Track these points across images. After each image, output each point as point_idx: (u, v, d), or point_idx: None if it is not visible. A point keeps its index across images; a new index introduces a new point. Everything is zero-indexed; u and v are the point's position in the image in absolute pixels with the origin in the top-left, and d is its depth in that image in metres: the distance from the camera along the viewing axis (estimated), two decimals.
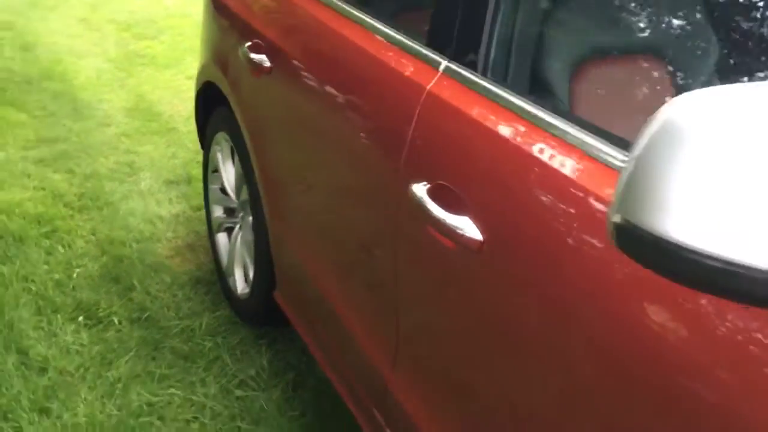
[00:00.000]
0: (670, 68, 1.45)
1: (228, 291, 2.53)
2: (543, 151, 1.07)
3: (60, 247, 2.85)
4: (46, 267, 2.71)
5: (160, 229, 3.06)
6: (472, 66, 1.25)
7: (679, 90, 1.13)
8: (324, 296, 1.81)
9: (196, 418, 2.07)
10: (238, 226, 2.46)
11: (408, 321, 1.44)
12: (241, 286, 2.43)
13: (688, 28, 1.41)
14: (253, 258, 2.30)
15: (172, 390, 2.15)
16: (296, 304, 2.04)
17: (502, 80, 1.23)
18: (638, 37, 1.44)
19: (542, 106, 1.12)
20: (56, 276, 2.67)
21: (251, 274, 2.34)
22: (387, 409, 1.51)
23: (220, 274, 2.60)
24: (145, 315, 2.48)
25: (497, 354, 1.18)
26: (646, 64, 1.48)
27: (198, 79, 2.50)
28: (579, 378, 1.01)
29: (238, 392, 2.16)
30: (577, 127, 1.05)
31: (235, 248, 2.44)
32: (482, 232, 1.12)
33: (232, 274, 2.47)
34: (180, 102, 4.34)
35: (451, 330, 1.30)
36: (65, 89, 4.53)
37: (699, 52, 1.35)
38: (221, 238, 2.60)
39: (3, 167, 3.43)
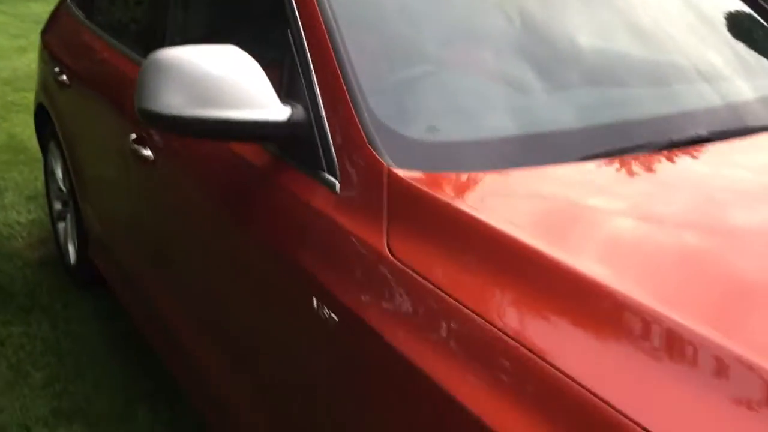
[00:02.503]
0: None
1: (66, 265, 3.27)
2: None
3: None
4: None
5: (17, 230, 3.79)
6: None
7: None
8: (115, 249, 2.60)
9: (30, 343, 2.80)
10: (69, 214, 3.22)
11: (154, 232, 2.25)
12: (72, 257, 3.18)
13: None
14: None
15: (13, 328, 2.88)
16: (101, 258, 2.81)
17: None
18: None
19: None
20: None
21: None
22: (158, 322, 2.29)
23: (61, 254, 3.35)
24: None
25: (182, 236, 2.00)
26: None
27: (34, 102, 3.30)
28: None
29: (64, 326, 2.91)
30: None
31: (67, 228, 3.20)
32: (154, 154, 1.96)
33: (67, 250, 3.22)
34: None
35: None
36: None
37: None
38: (61, 225, 3.35)
39: None
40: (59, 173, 3.20)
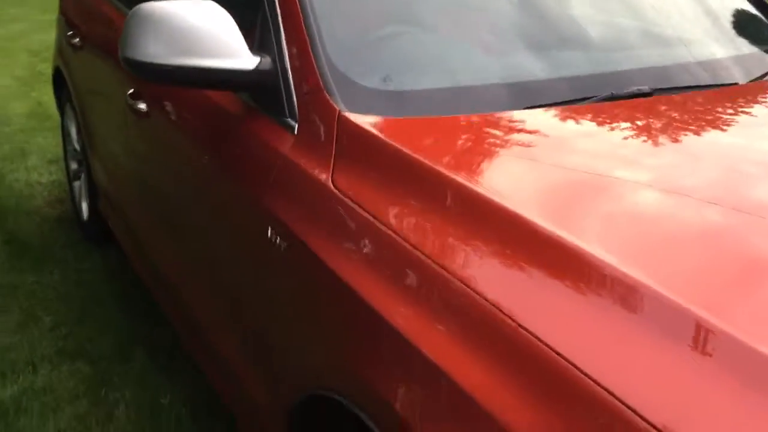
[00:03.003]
0: None
1: (80, 221, 3.46)
2: None
3: None
4: None
5: (38, 190, 3.99)
6: None
7: None
8: (119, 201, 2.76)
9: (42, 290, 2.99)
10: (83, 173, 3.40)
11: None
12: (85, 214, 3.36)
13: None
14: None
15: (27, 276, 3.08)
16: (109, 212, 2.98)
17: None
18: None
19: None
20: None
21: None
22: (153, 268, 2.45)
23: (76, 212, 3.53)
24: (16, 239, 3.40)
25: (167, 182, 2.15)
26: None
27: (52, 65, 3.48)
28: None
29: (74, 276, 3.09)
30: None
31: (81, 187, 3.38)
32: (148, 108, 2.10)
33: (81, 207, 3.40)
34: None
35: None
36: None
37: None
38: (76, 184, 3.54)
39: None
40: (74, 134, 3.38)
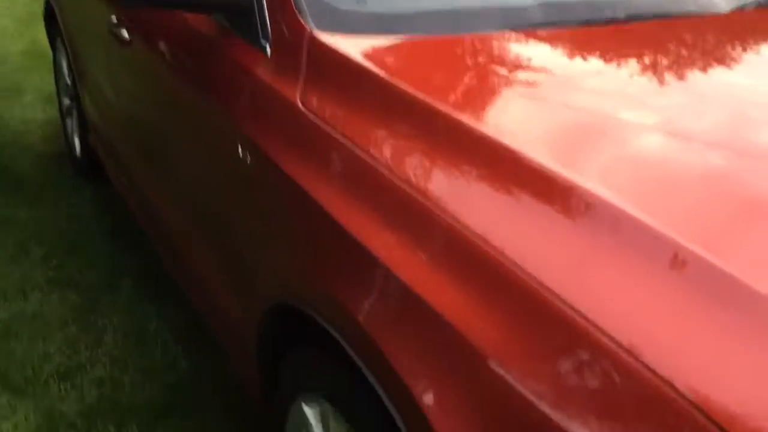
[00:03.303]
0: None
1: (73, 157, 3.48)
2: None
3: None
4: None
5: (33, 127, 4.01)
6: None
7: None
8: (107, 132, 2.78)
9: (34, 223, 3.03)
10: (75, 109, 3.41)
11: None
12: (78, 150, 3.38)
13: None
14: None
15: (20, 211, 3.12)
16: (98, 144, 3.00)
17: None
18: None
19: None
20: None
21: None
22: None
23: (69, 148, 3.55)
24: (11, 174, 3.43)
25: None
26: None
27: (44, 1, 3.47)
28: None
29: (66, 210, 3.13)
30: None
31: (73, 122, 3.40)
32: (129, 35, 2.10)
33: (74, 143, 3.42)
34: None
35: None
36: None
37: None
38: (68, 121, 3.54)
39: None
40: (66, 69, 3.38)
